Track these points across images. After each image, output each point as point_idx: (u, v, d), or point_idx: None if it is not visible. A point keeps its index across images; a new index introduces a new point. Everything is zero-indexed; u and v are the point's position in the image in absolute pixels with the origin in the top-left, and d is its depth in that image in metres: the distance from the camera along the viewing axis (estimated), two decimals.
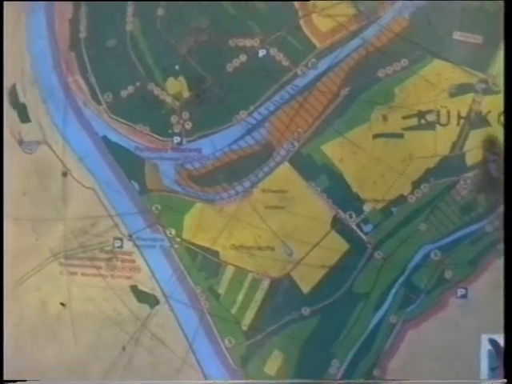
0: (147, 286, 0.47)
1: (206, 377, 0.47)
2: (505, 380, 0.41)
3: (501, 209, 0.45)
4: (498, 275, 0.45)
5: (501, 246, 0.45)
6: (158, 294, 0.47)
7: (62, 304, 0.48)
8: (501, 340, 0.45)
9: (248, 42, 0.46)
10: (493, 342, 0.45)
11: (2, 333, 0.47)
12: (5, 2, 0.48)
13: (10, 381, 0.47)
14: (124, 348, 0.48)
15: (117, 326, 0.48)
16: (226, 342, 0.47)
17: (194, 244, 0.47)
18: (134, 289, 0.47)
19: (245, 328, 0.46)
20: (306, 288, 0.46)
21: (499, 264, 0.45)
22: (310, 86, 0.46)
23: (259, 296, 0.46)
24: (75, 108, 0.48)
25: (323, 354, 0.46)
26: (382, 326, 0.46)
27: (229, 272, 0.46)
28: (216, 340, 0.47)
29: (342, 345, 0.46)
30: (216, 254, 0.46)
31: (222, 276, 0.47)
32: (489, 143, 0.45)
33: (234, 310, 0.46)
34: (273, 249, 0.46)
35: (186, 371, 0.47)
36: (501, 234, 0.45)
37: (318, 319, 0.46)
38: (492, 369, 0.46)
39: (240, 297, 0.46)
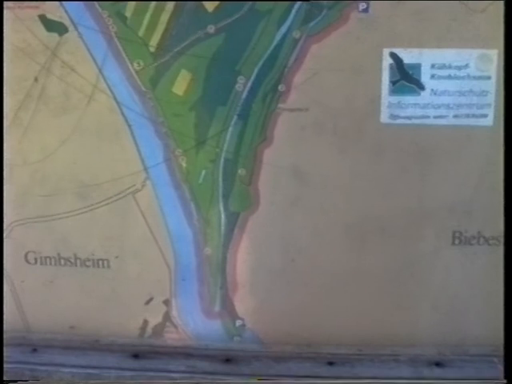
0: (55, 14, 0.47)
1: (118, 103, 0.48)
2: (505, 380, 0.41)
3: None
4: None
5: None
6: (67, 22, 0.47)
7: None
8: (402, 54, 0.46)
9: None
10: (394, 56, 0.46)
11: (2, 331, 0.47)
12: None
13: (10, 381, 0.47)
14: (36, 79, 0.48)
15: (27, 57, 0.48)
16: (135, 64, 0.47)
17: None
18: (43, 18, 0.47)
19: (152, 49, 0.47)
20: (210, 6, 0.46)
21: None
22: None
23: (165, 17, 0.47)
24: None
25: (229, 71, 0.47)
26: (285, 42, 0.46)
27: None
28: (125, 63, 0.47)
29: (247, 61, 0.47)
30: None
31: None
32: None
33: (141, 32, 0.47)
34: None
35: (98, 97, 0.48)
36: None
37: (223, 37, 0.46)
38: (393, 82, 0.47)
39: (146, 19, 0.47)
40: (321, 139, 0.48)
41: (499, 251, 0.48)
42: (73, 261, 0.51)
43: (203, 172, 0.48)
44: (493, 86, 0.47)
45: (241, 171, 0.48)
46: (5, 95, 0.48)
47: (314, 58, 0.47)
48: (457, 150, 0.48)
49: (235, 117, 0.47)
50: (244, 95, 0.47)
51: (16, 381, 0.48)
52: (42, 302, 0.52)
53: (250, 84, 0.47)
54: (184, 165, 0.48)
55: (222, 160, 0.48)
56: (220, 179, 0.48)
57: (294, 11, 0.46)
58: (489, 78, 0.47)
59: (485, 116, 0.47)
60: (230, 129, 0.48)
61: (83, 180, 0.49)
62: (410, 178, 0.48)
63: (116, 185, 0.49)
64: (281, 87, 0.47)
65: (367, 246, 0.49)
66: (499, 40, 0.46)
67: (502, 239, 0.49)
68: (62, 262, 0.51)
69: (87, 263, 0.51)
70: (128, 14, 0.47)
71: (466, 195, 0.48)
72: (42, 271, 0.51)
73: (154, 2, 0.47)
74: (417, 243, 0.49)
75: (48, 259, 0.51)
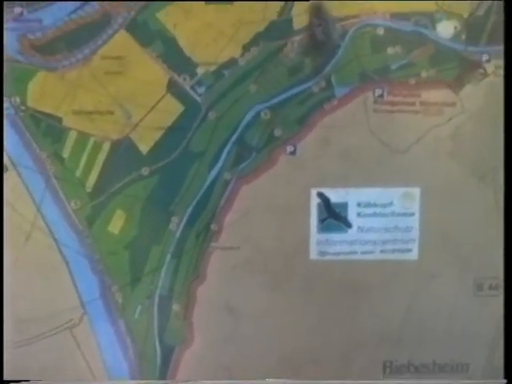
0: None
1: (55, 241, 0.49)
2: (505, 380, 0.43)
3: (326, 70, 0.48)
4: (324, 132, 0.48)
5: (328, 105, 0.48)
6: (6, 162, 0.49)
7: None
8: (329, 193, 0.48)
9: None
10: (321, 195, 0.48)
11: (1, 333, 0.48)
12: None
13: (10, 381, 0.48)
14: None
15: None
16: (72, 204, 0.49)
17: (38, 111, 0.48)
18: None
19: (89, 190, 0.48)
20: (144, 149, 0.48)
21: (325, 122, 0.48)
22: None
23: (101, 158, 0.48)
24: None
25: (163, 211, 0.48)
26: (217, 183, 0.48)
27: (72, 136, 0.48)
28: (62, 202, 0.49)
29: (180, 202, 0.48)
30: (59, 119, 0.48)
31: (65, 141, 0.48)
32: (314, 8, 0.48)
33: (78, 173, 0.48)
34: (112, 113, 0.48)
35: (36, 235, 0.49)
36: (327, 93, 0.48)
37: (156, 178, 0.48)
38: (321, 220, 0.49)
39: (83, 160, 0.48)
40: (252, 276, 0.49)
41: (429, 379, 0.49)
42: None
43: (139, 307, 0.49)
44: (416, 222, 0.49)
45: (175, 307, 0.49)
46: None
47: (245, 199, 0.48)
48: (384, 283, 0.50)
49: (169, 255, 0.49)
50: (177, 234, 0.49)
51: (16, 381, 0.48)
52: None
53: (183, 223, 0.49)
54: (120, 301, 0.49)
55: (157, 296, 0.49)
56: (155, 314, 0.49)
57: (224, 154, 0.48)
58: (412, 214, 0.49)
59: (410, 251, 0.49)
60: (165, 267, 0.49)
61: (20, 315, 0.50)
62: (340, 311, 0.50)
63: (53, 320, 0.50)
64: (213, 226, 0.49)
65: (301, 377, 0.50)
66: (421, 178, 0.48)
67: (431, 367, 0.50)
68: None
69: None
70: (65, 155, 0.49)
71: (394, 326, 0.50)
72: None
73: (90, 144, 0.49)
74: (349, 374, 0.50)
75: None
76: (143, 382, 0.50)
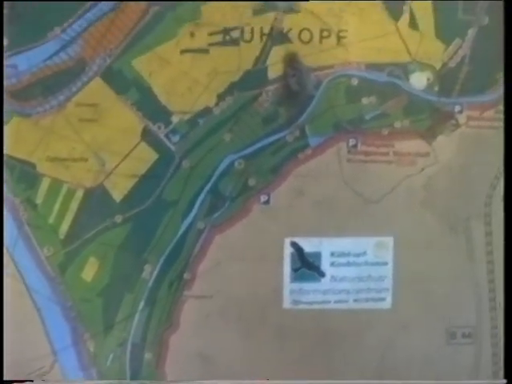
0: None
1: (27, 287, 0.49)
2: (505, 380, 0.43)
3: (300, 120, 0.48)
4: (297, 182, 0.48)
5: (302, 155, 0.48)
6: None
7: None
8: (302, 243, 0.48)
9: None
10: (294, 245, 0.48)
11: (1, 332, 0.47)
12: None
13: (10, 381, 0.47)
14: None
15: None
16: (45, 250, 0.48)
17: (11, 157, 0.48)
18: None
19: (62, 237, 0.48)
20: (118, 197, 0.48)
21: (299, 172, 0.48)
22: (121, 3, 0.48)
23: (74, 205, 0.48)
24: None
25: (136, 259, 0.48)
26: (190, 232, 0.48)
27: (45, 183, 0.48)
28: (35, 249, 0.48)
29: (153, 250, 0.48)
30: (33, 166, 0.48)
31: (38, 187, 0.48)
32: (289, 58, 0.48)
33: (51, 220, 0.48)
34: (86, 160, 0.48)
35: (7, 281, 0.49)
36: (301, 142, 0.48)
37: (130, 226, 0.48)
38: (295, 270, 0.49)
39: (56, 207, 0.48)
40: (226, 325, 0.49)
41: None
42: None
43: (111, 355, 0.49)
44: (390, 271, 0.49)
45: (148, 355, 0.49)
46: None
47: (218, 248, 0.48)
48: (358, 332, 0.50)
49: (142, 303, 0.49)
50: (150, 283, 0.49)
51: (16, 381, 0.47)
52: None
53: (156, 272, 0.48)
54: (92, 349, 0.49)
55: (130, 344, 0.49)
56: (127, 363, 0.49)
57: (198, 202, 0.48)
58: (385, 263, 0.49)
59: (383, 300, 0.50)
60: (137, 315, 0.49)
61: None
62: (313, 360, 0.50)
63: (24, 367, 0.49)
64: (186, 275, 0.49)
65: None
66: (394, 228, 0.49)
67: None
68: None
69: None
70: (38, 201, 0.48)
71: (368, 375, 0.50)
72: None
73: (63, 191, 0.48)
74: None
75: None
76: (140, 382, 0.49)
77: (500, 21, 0.49)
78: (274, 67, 0.48)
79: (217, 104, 0.48)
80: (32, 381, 0.49)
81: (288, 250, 0.49)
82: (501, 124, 0.49)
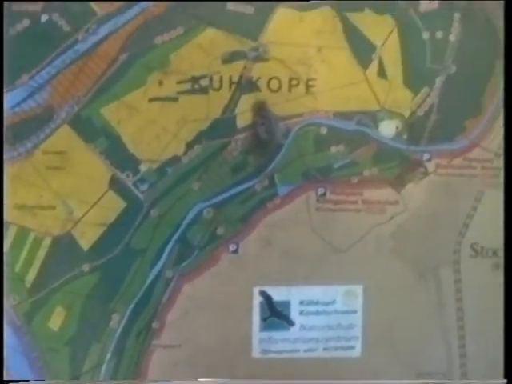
0: None
1: None
2: (505, 380, 0.42)
3: (269, 169, 0.48)
4: (266, 231, 0.48)
5: (270, 204, 0.48)
6: None
7: None
8: (271, 292, 0.48)
9: (31, 7, 0.47)
10: (263, 294, 0.48)
11: (1, 333, 0.47)
12: None
13: (10, 381, 0.46)
14: None
15: None
16: (11, 299, 0.48)
17: None
18: None
19: (28, 285, 0.48)
20: (86, 245, 0.48)
21: (268, 221, 0.48)
22: (89, 51, 0.48)
23: (41, 254, 0.48)
24: None
25: (104, 308, 0.48)
26: (158, 281, 0.48)
27: (12, 231, 0.48)
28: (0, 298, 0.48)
29: (121, 299, 0.48)
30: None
31: (5, 235, 0.48)
32: (258, 107, 0.48)
33: (17, 268, 0.48)
34: (54, 208, 0.48)
35: None
36: (270, 192, 0.48)
37: (98, 275, 0.48)
38: (264, 319, 0.48)
39: (23, 255, 0.48)
40: (194, 375, 0.49)
41: None
42: None
43: None
44: (359, 320, 0.49)
45: None
46: None
47: (187, 297, 0.48)
48: (328, 380, 0.49)
49: (109, 353, 0.48)
50: (118, 332, 0.48)
51: (16, 381, 0.47)
52: None
53: (124, 321, 0.48)
54: None
55: None
56: None
57: (166, 251, 0.48)
58: (355, 312, 0.49)
59: (352, 348, 0.49)
60: (105, 364, 0.48)
61: None
62: None
63: None
64: (154, 324, 0.48)
65: None
66: (363, 276, 0.49)
67: None
68: None
69: None
70: (5, 249, 0.48)
71: None
72: None
73: (31, 239, 0.48)
74: None
75: None
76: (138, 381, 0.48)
77: (467, 70, 0.49)
78: (243, 116, 0.48)
79: (185, 152, 0.48)
80: (32, 381, 0.48)
81: (257, 299, 0.48)
82: (470, 172, 0.50)
